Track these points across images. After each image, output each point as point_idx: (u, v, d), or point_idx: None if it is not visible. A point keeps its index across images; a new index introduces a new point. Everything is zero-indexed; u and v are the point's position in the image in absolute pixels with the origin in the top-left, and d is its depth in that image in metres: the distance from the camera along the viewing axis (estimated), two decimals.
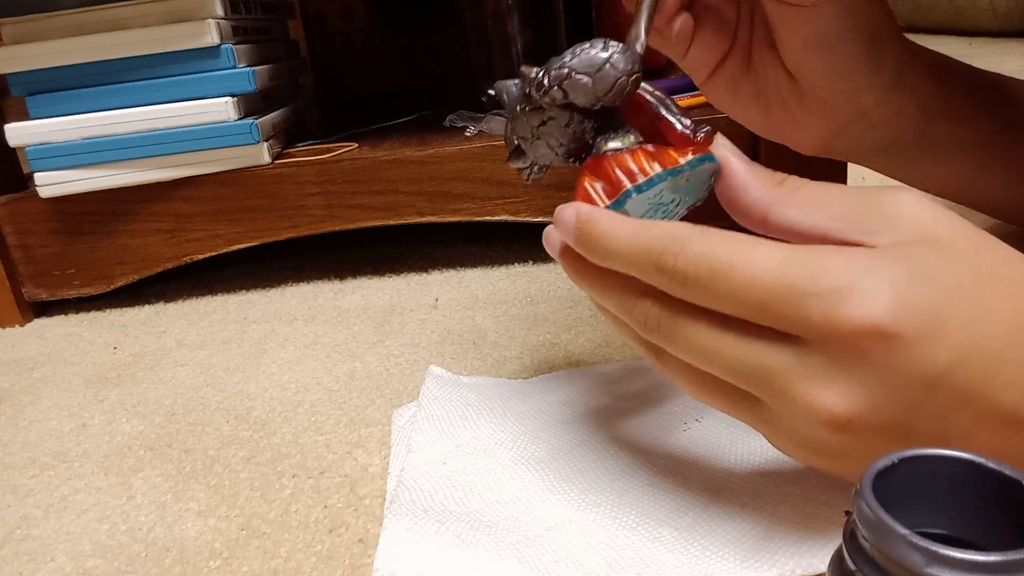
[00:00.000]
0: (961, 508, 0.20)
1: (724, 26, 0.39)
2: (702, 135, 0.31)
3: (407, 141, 0.70)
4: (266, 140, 0.66)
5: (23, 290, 0.69)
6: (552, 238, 0.33)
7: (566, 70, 0.31)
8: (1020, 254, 0.26)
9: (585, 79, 0.31)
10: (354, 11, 1.00)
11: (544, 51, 0.82)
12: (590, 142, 0.33)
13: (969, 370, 0.24)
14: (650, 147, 0.31)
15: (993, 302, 0.25)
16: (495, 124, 0.69)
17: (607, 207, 0.30)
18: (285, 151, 0.70)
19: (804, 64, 0.37)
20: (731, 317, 0.26)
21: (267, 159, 0.66)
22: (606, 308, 0.31)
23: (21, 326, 0.69)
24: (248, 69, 0.64)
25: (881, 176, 0.45)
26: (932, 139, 0.40)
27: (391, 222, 0.67)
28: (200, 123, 0.63)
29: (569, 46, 0.31)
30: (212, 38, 0.61)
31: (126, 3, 0.61)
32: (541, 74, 0.32)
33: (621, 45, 0.31)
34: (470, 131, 0.70)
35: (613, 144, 0.32)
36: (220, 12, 0.62)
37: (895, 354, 0.24)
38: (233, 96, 0.63)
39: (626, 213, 0.30)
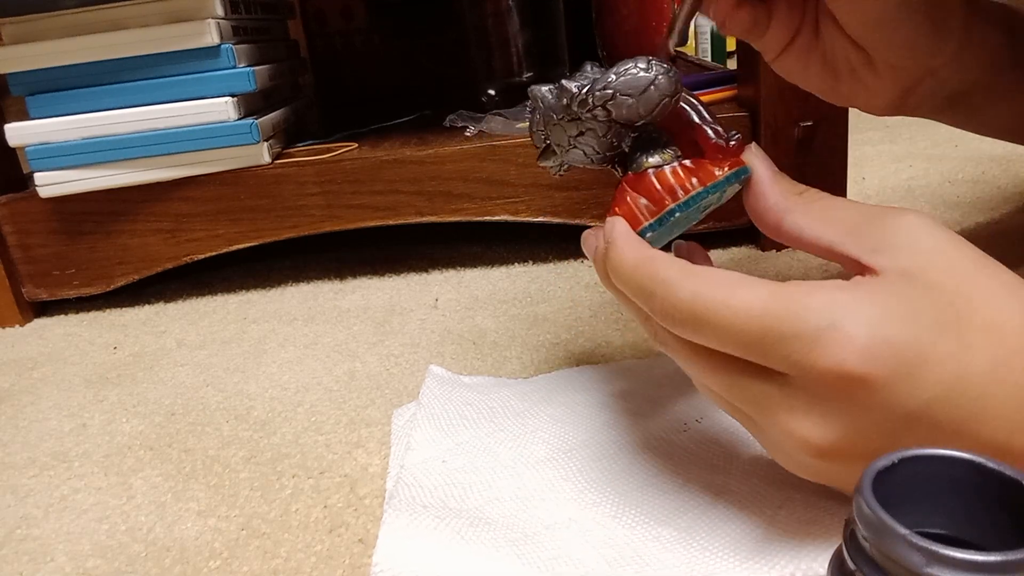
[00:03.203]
0: (961, 508, 0.20)
1: (794, 5, 0.39)
2: (734, 143, 0.32)
3: (407, 141, 0.70)
4: (266, 140, 0.66)
5: (23, 290, 0.69)
6: (589, 242, 0.35)
7: (611, 91, 0.32)
8: (1013, 283, 0.26)
9: (629, 100, 0.32)
10: (354, 11, 1.00)
11: (544, 51, 0.82)
12: (625, 150, 0.34)
13: (953, 406, 0.24)
14: (688, 162, 0.33)
15: (976, 338, 0.25)
16: (495, 124, 0.69)
17: (650, 224, 0.32)
18: (285, 151, 0.70)
19: (868, 39, 0.37)
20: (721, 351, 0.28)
21: (267, 159, 0.66)
22: None
23: (21, 326, 0.69)
24: (248, 69, 0.64)
25: (880, 178, 0.46)
26: (1000, 87, 0.41)
27: (391, 222, 0.67)
28: (200, 123, 0.63)
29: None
30: (212, 38, 0.61)
31: (126, 3, 0.61)
32: (585, 91, 0.32)
33: (664, 65, 0.32)
34: (470, 131, 0.70)
35: (653, 160, 0.33)
36: (220, 12, 0.62)
37: (871, 393, 0.25)
38: (233, 96, 0.63)
39: (666, 228, 0.32)
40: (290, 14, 0.91)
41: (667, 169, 0.32)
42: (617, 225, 0.32)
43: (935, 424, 0.25)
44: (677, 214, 0.32)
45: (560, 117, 0.34)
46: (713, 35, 1.52)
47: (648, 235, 0.32)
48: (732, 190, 0.33)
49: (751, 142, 0.33)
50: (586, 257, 0.35)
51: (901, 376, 0.24)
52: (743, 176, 0.32)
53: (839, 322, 0.25)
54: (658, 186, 0.32)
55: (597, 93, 0.32)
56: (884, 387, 0.24)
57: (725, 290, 0.27)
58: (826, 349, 0.25)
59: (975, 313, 0.25)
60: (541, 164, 0.38)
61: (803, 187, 0.31)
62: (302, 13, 0.99)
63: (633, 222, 0.32)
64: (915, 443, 0.25)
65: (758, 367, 0.27)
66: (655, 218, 0.32)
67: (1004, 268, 0.27)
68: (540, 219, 0.65)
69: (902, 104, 0.40)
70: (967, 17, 0.38)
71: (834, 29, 0.38)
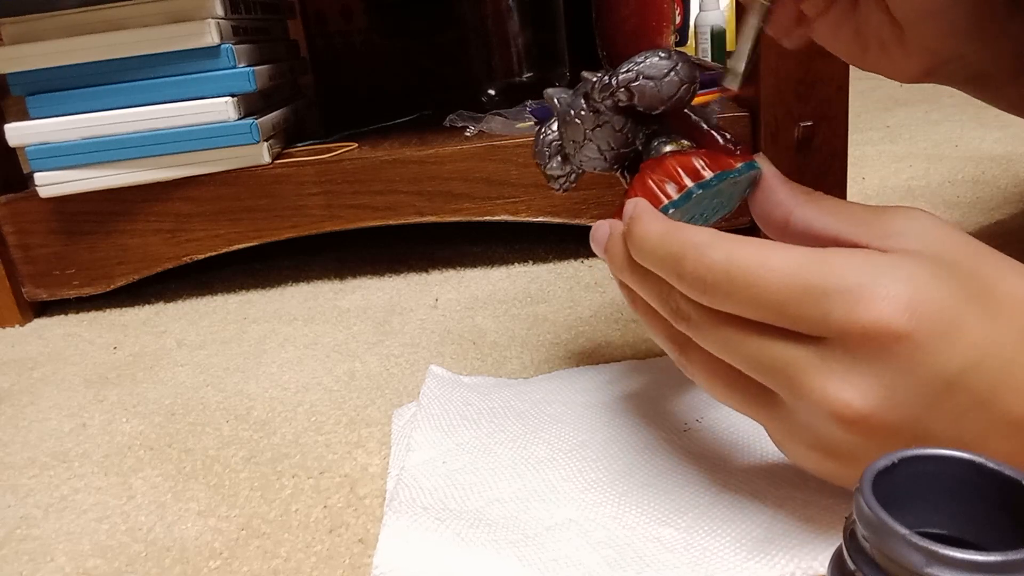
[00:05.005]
0: (961, 508, 0.20)
1: None
2: (740, 149, 0.33)
3: (407, 141, 0.70)
4: (266, 140, 0.66)
5: (23, 290, 0.69)
6: (602, 230, 0.34)
7: (634, 74, 0.33)
8: (1019, 267, 0.27)
9: (651, 83, 0.33)
10: (354, 11, 1.00)
11: (544, 51, 0.82)
12: (639, 148, 0.35)
13: (983, 373, 0.24)
14: (703, 152, 0.33)
15: (1001, 308, 0.25)
16: (495, 124, 0.69)
17: (673, 201, 0.32)
18: (285, 151, 0.70)
19: (911, 21, 0.37)
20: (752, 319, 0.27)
21: (267, 159, 0.66)
22: (638, 303, 0.33)
23: (21, 326, 0.69)
24: (248, 69, 0.64)
25: (880, 178, 0.46)
26: None
27: (391, 222, 0.67)
28: (200, 123, 0.63)
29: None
30: (212, 38, 0.61)
31: (126, 3, 0.61)
32: (607, 77, 0.33)
33: (682, 54, 0.33)
34: (470, 131, 0.70)
35: (669, 148, 0.34)
36: (220, 12, 0.62)
37: (912, 352, 0.24)
38: (233, 96, 0.63)
39: (685, 211, 0.32)
40: (290, 14, 0.91)
41: (687, 154, 0.33)
42: (639, 203, 0.32)
43: (970, 390, 0.24)
44: (698, 192, 0.32)
45: (577, 111, 0.34)
46: (713, 35, 1.51)
47: (669, 212, 0.32)
48: (740, 193, 0.34)
49: (757, 151, 0.34)
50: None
51: (940, 336, 0.24)
52: (754, 170, 0.33)
53: (881, 279, 0.25)
54: (678, 168, 0.33)
55: (620, 76, 0.33)
56: (924, 346, 0.24)
57: (761, 250, 0.26)
58: (869, 304, 0.24)
59: (995, 287, 0.26)
60: (550, 171, 0.38)
61: (808, 189, 0.32)
62: (302, 13, 0.99)
63: (654, 202, 0.32)
64: (951, 411, 0.25)
65: (790, 333, 0.26)
66: (676, 197, 0.32)
67: (1007, 256, 0.27)
68: (540, 219, 0.65)
69: (925, 77, 0.40)
70: (1009, 9, 0.38)
71: (874, 3, 0.37)
